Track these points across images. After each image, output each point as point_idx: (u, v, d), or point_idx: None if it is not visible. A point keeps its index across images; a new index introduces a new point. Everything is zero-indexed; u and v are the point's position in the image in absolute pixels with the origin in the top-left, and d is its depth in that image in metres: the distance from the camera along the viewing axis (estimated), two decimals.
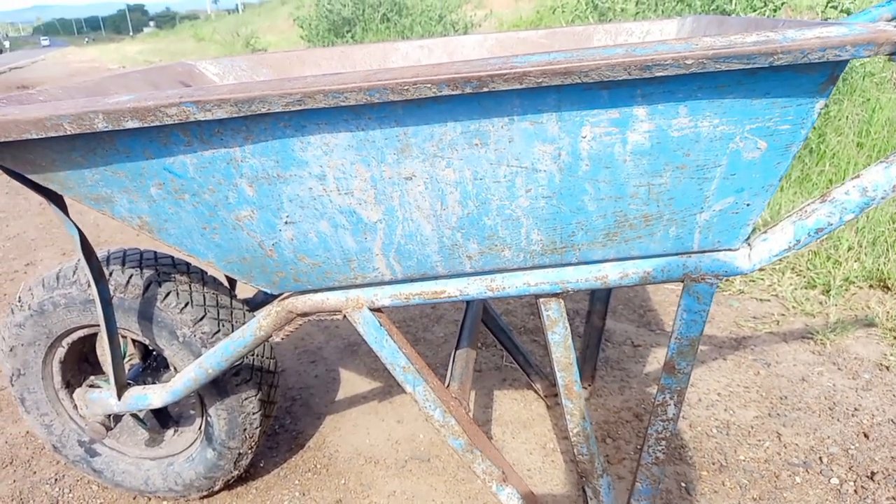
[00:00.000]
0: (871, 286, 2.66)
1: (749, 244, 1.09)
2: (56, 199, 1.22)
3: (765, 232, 1.09)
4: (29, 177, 1.09)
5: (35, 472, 1.93)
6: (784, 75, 0.88)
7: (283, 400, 2.19)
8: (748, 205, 1.02)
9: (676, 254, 1.10)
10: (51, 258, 3.68)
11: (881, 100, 4.06)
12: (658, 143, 0.95)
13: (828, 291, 2.62)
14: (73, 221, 1.25)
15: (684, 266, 1.11)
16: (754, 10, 4.26)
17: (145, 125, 0.94)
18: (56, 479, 1.89)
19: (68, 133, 0.96)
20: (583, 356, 2.07)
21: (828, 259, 2.82)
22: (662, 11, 4.75)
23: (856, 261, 2.78)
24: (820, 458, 1.75)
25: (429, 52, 1.86)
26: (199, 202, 1.08)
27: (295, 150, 1.00)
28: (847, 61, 0.85)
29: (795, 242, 1.05)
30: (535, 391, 2.10)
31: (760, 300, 2.66)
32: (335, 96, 0.90)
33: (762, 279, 2.81)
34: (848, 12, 3.78)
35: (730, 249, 1.09)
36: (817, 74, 0.87)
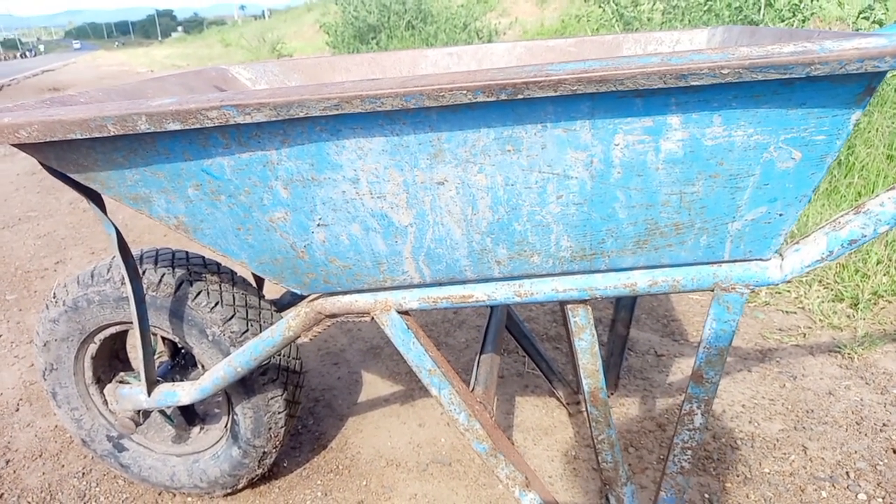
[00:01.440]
0: None
1: (781, 255, 1.09)
2: (96, 199, 1.25)
3: (797, 242, 1.08)
4: (71, 176, 1.12)
5: (63, 466, 1.97)
6: (820, 86, 0.87)
7: (306, 401, 2.21)
8: (781, 215, 1.02)
9: (707, 263, 1.10)
10: (80, 256, 3.76)
11: None
12: (691, 151, 0.95)
13: (856, 305, 2.58)
14: (111, 220, 1.28)
15: (714, 275, 1.10)
16: (783, 21, 4.22)
17: (186, 127, 0.96)
18: (84, 473, 1.93)
19: (112, 134, 0.98)
20: (606, 364, 2.06)
21: (856, 272, 2.78)
22: (689, 21, 4.73)
23: (885, 274, 2.73)
24: (847, 472, 1.73)
25: (458, 59, 1.87)
26: (235, 203, 1.10)
27: (330, 154, 1.01)
28: (885, 73, 0.85)
29: (828, 254, 1.05)
30: (558, 398, 2.10)
31: (787, 312, 2.63)
32: (372, 101, 0.91)
33: (789, 291, 2.78)
34: (881, 23, 3.74)
35: (761, 259, 1.09)
36: (855, 85, 0.87)
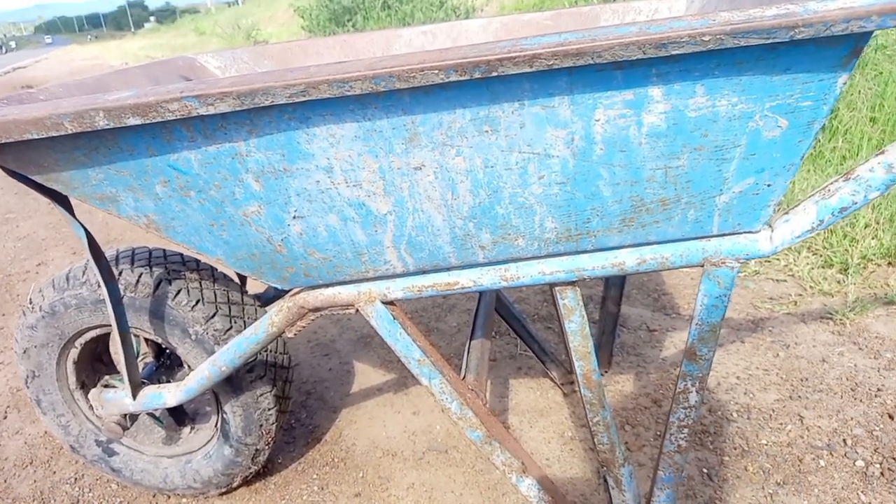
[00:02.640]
0: (889, 263, 2.61)
1: (770, 226, 1.06)
2: (61, 200, 1.20)
3: (786, 213, 1.05)
4: (32, 178, 1.07)
5: (55, 472, 1.94)
6: (805, 49, 0.84)
7: (297, 394, 2.18)
8: (769, 185, 0.99)
9: (695, 238, 1.07)
10: (62, 258, 3.69)
11: (894, 73, 3.98)
12: (674, 124, 0.92)
13: (845, 270, 2.58)
14: (79, 222, 1.23)
15: (703, 250, 1.08)
16: None
17: (147, 122, 0.92)
18: (76, 479, 1.90)
19: (69, 132, 0.94)
20: (598, 343, 2.05)
21: (844, 237, 2.77)
22: None
23: (873, 238, 2.73)
24: (844, 440, 1.72)
25: (433, 37, 1.82)
26: (206, 199, 1.06)
27: (300, 143, 0.97)
28: (871, 33, 0.82)
29: (819, 223, 1.02)
30: (552, 379, 2.08)
31: (777, 281, 2.62)
32: (340, 86, 0.87)
33: (778, 259, 2.77)
34: None
35: (750, 232, 1.06)
36: (841, 47, 0.83)
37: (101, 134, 0.98)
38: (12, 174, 1.09)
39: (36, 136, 0.94)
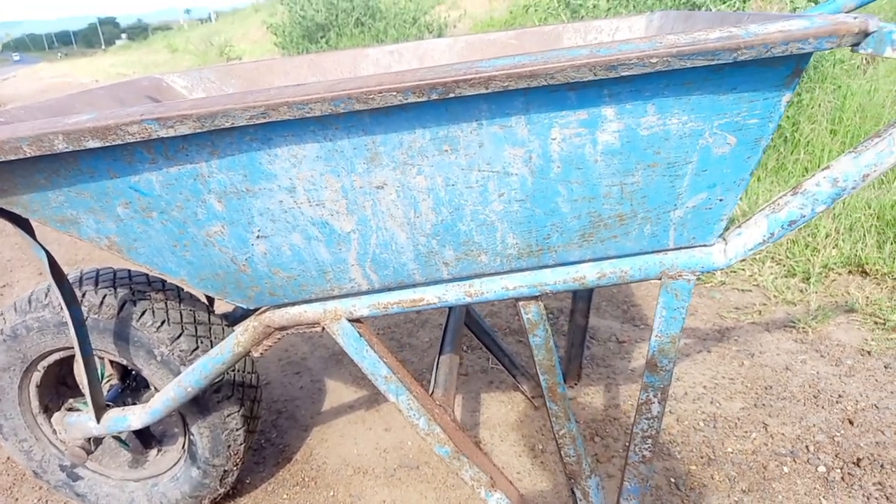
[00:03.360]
0: (849, 272, 2.68)
1: (724, 239, 1.09)
2: (21, 223, 1.19)
3: (739, 226, 1.09)
4: None
5: (17, 500, 1.89)
6: (749, 70, 0.87)
7: (268, 413, 2.17)
8: (721, 200, 1.02)
9: (653, 252, 1.10)
10: (27, 278, 3.62)
11: (852, 87, 4.10)
12: (628, 142, 0.95)
13: (808, 279, 2.64)
14: (40, 244, 1.22)
15: (661, 263, 1.10)
16: (724, 3, 4.29)
17: (107, 144, 0.92)
18: None
19: (28, 155, 0.93)
20: (568, 355, 2.07)
21: (806, 247, 2.84)
22: (634, 7, 4.78)
23: (834, 247, 2.80)
24: (807, 446, 1.76)
25: (399, 56, 1.84)
26: (168, 220, 1.06)
27: (262, 164, 0.98)
28: (811, 54, 0.85)
29: (769, 235, 1.05)
30: (522, 392, 2.10)
31: (742, 290, 2.68)
32: (300, 107, 0.88)
33: (743, 269, 2.83)
34: (816, 1, 3.82)
35: (705, 245, 1.09)
36: (782, 67, 0.87)
37: (60, 157, 0.98)
38: None
39: None
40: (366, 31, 9.48)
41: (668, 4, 4.65)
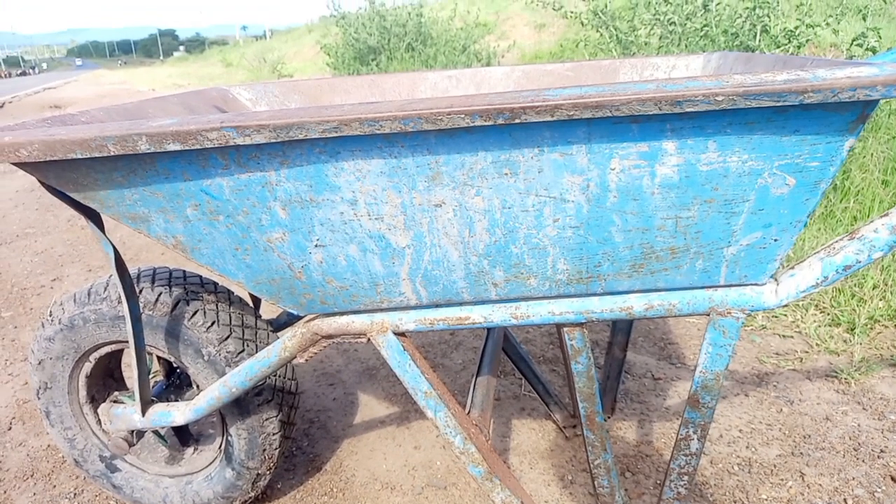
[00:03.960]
0: None
1: (776, 279, 1.09)
2: (94, 217, 1.25)
3: (792, 268, 1.09)
4: (70, 194, 1.12)
5: (55, 486, 1.95)
6: (814, 113, 0.89)
7: (301, 422, 2.20)
8: (776, 240, 1.02)
9: (702, 287, 1.11)
10: (77, 274, 3.75)
11: None
12: (687, 176, 0.96)
13: (852, 329, 2.58)
14: (108, 239, 1.28)
15: (710, 300, 1.11)
16: (778, 47, 4.28)
17: (186, 148, 0.97)
18: (75, 494, 1.91)
19: (112, 154, 0.99)
20: (603, 388, 2.06)
21: (852, 297, 2.79)
22: (686, 46, 4.79)
23: (881, 299, 2.74)
24: (844, 499, 1.72)
25: (457, 82, 1.89)
26: (233, 223, 1.10)
27: (328, 176, 1.02)
28: (878, 101, 0.86)
29: (823, 279, 1.05)
30: (554, 421, 2.09)
31: (783, 336, 2.63)
32: (371, 124, 0.92)
33: (785, 315, 2.78)
34: (874, 51, 3.79)
35: (756, 284, 1.09)
36: (848, 113, 0.88)
37: (140, 157, 1.03)
38: (52, 190, 1.14)
39: (80, 156, 0.99)
40: (416, 56, 9.66)
41: (720, 46, 4.64)
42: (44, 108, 14.96)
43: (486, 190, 1.01)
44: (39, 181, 1.13)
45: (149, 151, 0.98)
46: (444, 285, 1.16)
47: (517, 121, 0.90)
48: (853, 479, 1.79)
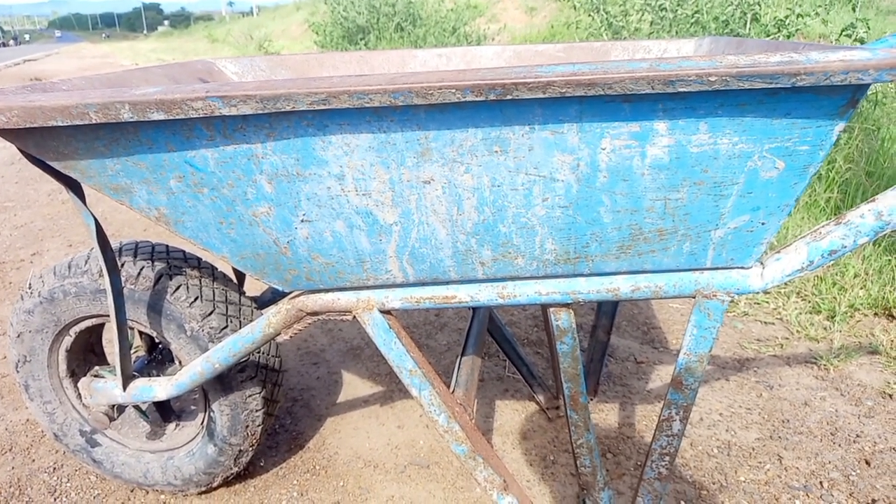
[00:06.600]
0: (875, 314, 2.66)
1: (762, 263, 1.10)
2: (75, 188, 1.23)
3: (778, 252, 1.09)
4: (50, 164, 1.10)
5: (34, 461, 1.93)
6: (805, 97, 0.88)
7: (284, 400, 2.19)
8: (763, 224, 1.02)
9: (689, 269, 1.11)
10: (57, 248, 3.70)
11: (892, 131, 4.07)
12: (677, 158, 0.96)
13: (833, 317, 2.62)
14: (89, 210, 1.26)
15: (696, 282, 1.11)
16: (768, 36, 4.28)
17: (170, 118, 0.95)
18: (55, 468, 1.89)
19: (94, 122, 0.97)
20: (586, 370, 2.07)
21: (833, 285, 2.82)
22: (676, 32, 4.78)
23: (861, 288, 2.78)
24: (821, 482, 1.75)
25: (447, 60, 1.87)
26: (218, 196, 1.09)
27: (316, 149, 1.00)
28: (868, 86, 0.86)
29: (808, 263, 1.06)
30: (537, 403, 2.10)
31: (765, 323, 2.66)
32: (360, 97, 0.91)
33: (767, 302, 2.81)
34: (862, 41, 3.81)
35: (743, 267, 1.09)
36: (839, 97, 0.88)
37: (123, 126, 1.01)
38: (31, 159, 1.11)
39: (61, 124, 0.97)
40: (405, 36, 9.57)
41: (710, 33, 4.64)
42: (24, 80, 14.66)
43: (476, 167, 1.00)
44: (19, 149, 1.10)
45: (132, 120, 0.96)
46: (432, 263, 1.15)
47: (509, 97, 0.89)
48: (829, 462, 1.82)
